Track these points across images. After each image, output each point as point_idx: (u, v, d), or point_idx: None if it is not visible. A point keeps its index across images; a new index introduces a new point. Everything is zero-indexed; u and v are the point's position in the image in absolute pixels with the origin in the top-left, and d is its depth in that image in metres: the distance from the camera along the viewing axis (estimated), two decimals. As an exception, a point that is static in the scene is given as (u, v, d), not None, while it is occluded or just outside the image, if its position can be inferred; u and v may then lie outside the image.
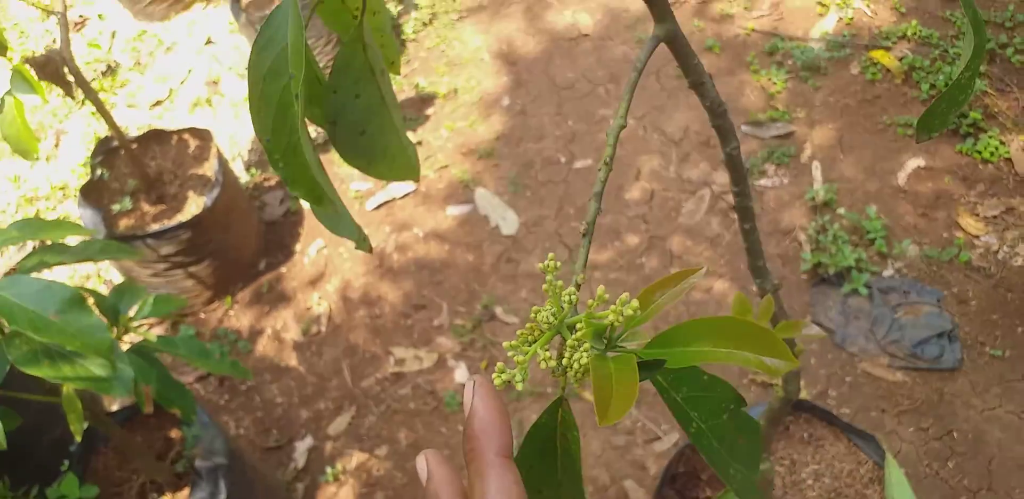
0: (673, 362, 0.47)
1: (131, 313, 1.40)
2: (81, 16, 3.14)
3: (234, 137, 2.55)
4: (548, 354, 0.46)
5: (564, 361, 0.46)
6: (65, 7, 1.84)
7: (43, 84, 1.87)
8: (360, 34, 0.67)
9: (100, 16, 3.10)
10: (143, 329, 1.43)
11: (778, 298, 0.90)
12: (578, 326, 0.46)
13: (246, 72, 0.57)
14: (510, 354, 0.46)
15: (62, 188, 2.54)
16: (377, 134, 0.74)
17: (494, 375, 0.44)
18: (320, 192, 0.63)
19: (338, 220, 0.68)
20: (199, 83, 2.77)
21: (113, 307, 1.35)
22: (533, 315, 0.47)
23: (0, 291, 1.08)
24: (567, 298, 0.46)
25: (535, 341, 0.48)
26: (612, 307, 0.45)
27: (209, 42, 2.89)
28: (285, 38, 0.59)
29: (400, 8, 2.75)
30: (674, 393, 0.51)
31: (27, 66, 1.74)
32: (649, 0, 0.64)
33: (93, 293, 1.35)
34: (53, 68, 1.85)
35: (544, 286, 0.47)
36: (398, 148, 0.75)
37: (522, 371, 0.45)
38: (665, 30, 0.64)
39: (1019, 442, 1.58)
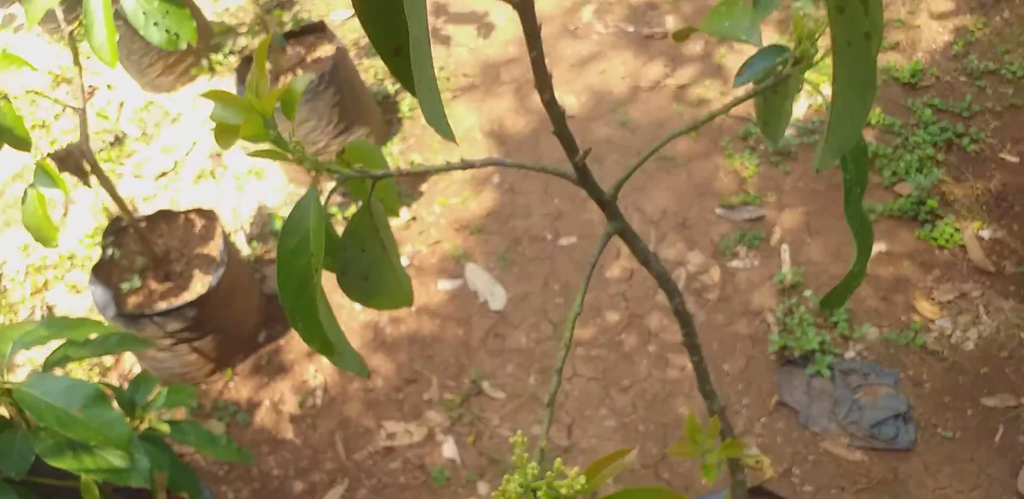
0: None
1: (147, 400, 1.51)
2: (90, 86, 3.28)
3: (236, 210, 2.68)
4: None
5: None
6: (84, 103, 1.98)
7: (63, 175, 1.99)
8: (369, 206, 0.80)
9: (109, 86, 3.24)
10: (154, 418, 1.54)
11: (724, 418, 1.03)
12: (539, 495, 0.59)
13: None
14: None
15: (70, 257, 2.65)
16: (378, 277, 0.88)
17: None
18: (331, 347, 0.77)
19: (343, 361, 0.81)
20: (203, 155, 2.91)
21: (130, 400, 1.46)
22: (504, 483, 0.59)
23: (29, 389, 1.21)
24: (530, 473, 0.59)
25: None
26: (567, 480, 0.57)
27: (213, 115, 3.03)
28: (308, 224, 0.73)
29: (397, 86, 2.90)
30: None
31: (49, 161, 1.87)
32: (601, 204, 0.79)
33: (111, 387, 1.46)
34: (73, 161, 1.98)
35: (513, 458, 0.60)
36: (395, 284, 0.89)
37: (497, 537, 0.57)
38: (615, 227, 0.79)
39: (969, 520, 1.70)
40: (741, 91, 0.83)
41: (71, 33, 1.89)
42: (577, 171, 0.76)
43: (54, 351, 1.41)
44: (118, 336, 1.50)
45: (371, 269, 0.86)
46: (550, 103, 0.68)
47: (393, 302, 0.90)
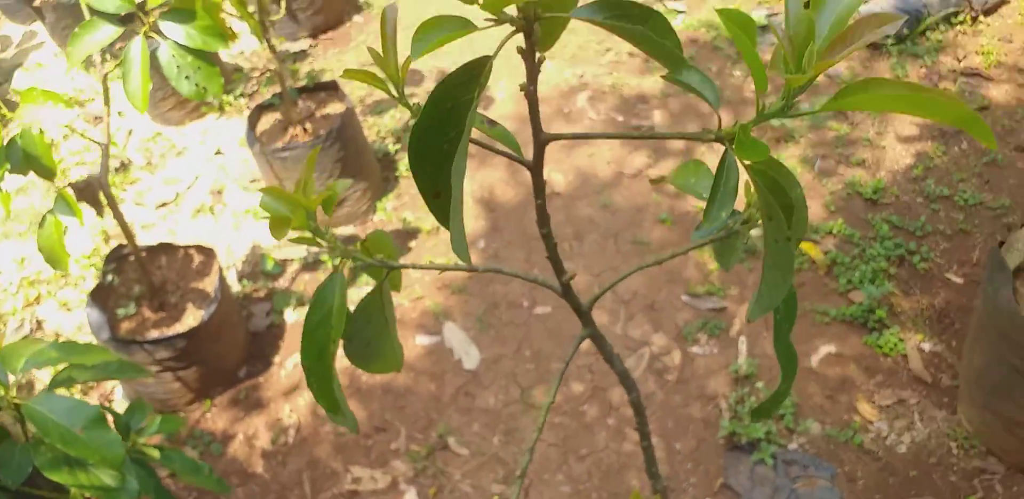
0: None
1: (140, 426, 1.62)
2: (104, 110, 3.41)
3: (230, 247, 2.80)
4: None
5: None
6: (108, 139, 2.12)
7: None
8: (380, 291, 0.94)
9: (120, 113, 3.37)
10: (145, 443, 1.64)
11: (666, 496, 1.17)
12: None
13: (305, 328, 0.84)
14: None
15: (64, 275, 2.75)
16: (378, 345, 1.03)
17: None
18: (339, 406, 0.91)
19: (343, 419, 0.95)
20: (204, 190, 3.04)
21: (126, 424, 1.57)
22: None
23: (38, 406, 1.33)
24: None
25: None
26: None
27: (218, 152, 3.17)
28: (332, 302, 0.88)
29: (398, 146, 3.07)
30: None
31: (69, 190, 2.00)
32: (578, 312, 0.94)
33: (110, 411, 1.57)
34: (91, 192, 2.11)
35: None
36: (390, 351, 1.03)
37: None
38: (588, 332, 0.94)
39: None
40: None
41: (105, 76, 2.03)
42: (562, 286, 0.91)
43: (60, 372, 1.52)
44: (118, 363, 1.61)
45: (373, 338, 1.00)
46: (547, 236, 0.84)
47: (385, 367, 1.04)
